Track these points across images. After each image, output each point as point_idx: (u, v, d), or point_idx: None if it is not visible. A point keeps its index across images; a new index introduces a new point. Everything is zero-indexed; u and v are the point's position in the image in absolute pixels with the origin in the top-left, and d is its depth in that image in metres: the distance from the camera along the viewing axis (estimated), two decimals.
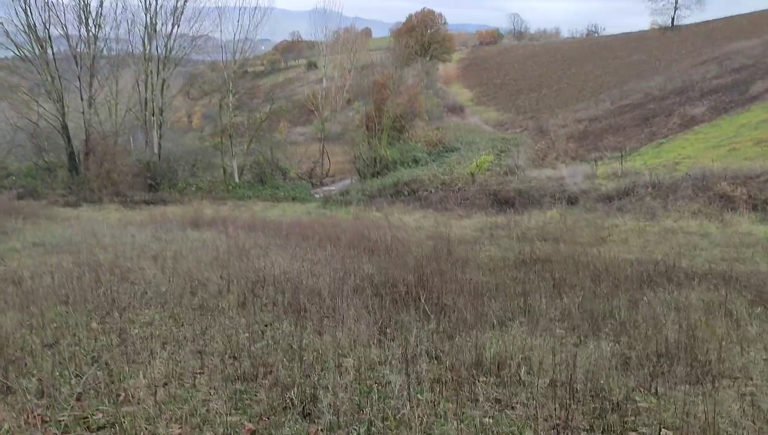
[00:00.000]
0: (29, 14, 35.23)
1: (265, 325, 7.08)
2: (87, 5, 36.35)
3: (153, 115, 39.27)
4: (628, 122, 39.08)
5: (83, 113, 36.80)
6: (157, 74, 39.08)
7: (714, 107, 35.72)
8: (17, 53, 36.07)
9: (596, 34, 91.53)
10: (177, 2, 38.50)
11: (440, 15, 78.45)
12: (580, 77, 62.34)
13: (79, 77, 36.79)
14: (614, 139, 36.26)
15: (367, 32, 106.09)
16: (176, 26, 39.00)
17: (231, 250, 13.71)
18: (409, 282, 8.37)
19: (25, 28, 35.47)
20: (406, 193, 31.85)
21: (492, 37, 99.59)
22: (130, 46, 39.62)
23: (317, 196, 39.79)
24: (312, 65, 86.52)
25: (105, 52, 38.69)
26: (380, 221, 24.12)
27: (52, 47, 36.24)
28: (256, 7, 42.44)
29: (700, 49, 57.56)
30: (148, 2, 38.11)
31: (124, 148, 40.11)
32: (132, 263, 11.94)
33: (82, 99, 36.69)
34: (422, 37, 74.05)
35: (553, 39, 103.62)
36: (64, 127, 36.75)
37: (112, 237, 17.03)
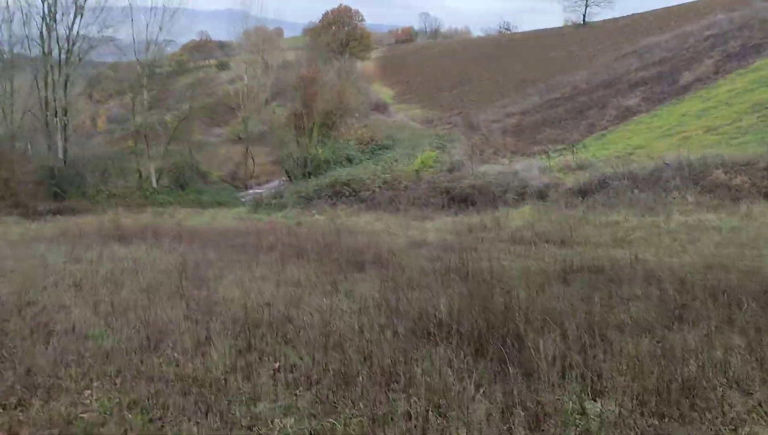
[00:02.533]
0: None
1: None
2: None
3: (56, 117, 34.58)
4: (563, 115, 37.95)
5: None
6: (59, 70, 34.42)
7: (648, 98, 35.07)
8: None
9: (508, 32, 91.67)
10: None
11: (357, 12, 76.16)
12: (501, 73, 61.48)
13: None
14: (552, 132, 34.94)
15: (279, 32, 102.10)
16: (79, 15, 34.48)
17: (178, 270, 10.59)
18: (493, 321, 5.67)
19: None
20: (346, 193, 29.11)
21: (407, 35, 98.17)
22: (25, 41, 34.70)
23: (244, 200, 36.36)
24: (223, 65, 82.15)
25: None
26: (328, 226, 21.36)
27: None
28: (164, 7, 38.24)
29: (616, 44, 57.84)
30: None
31: (23, 153, 35.20)
32: (48, 297, 8.67)
33: None
34: (339, 35, 71.33)
35: (465, 37, 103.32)
36: None
37: (15, 258, 13.41)
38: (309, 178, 35.28)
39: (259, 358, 5.46)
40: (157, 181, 38.25)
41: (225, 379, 4.92)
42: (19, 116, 34.47)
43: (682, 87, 34.66)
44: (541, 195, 20.37)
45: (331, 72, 50.38)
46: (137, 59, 40.51)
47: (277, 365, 5.18)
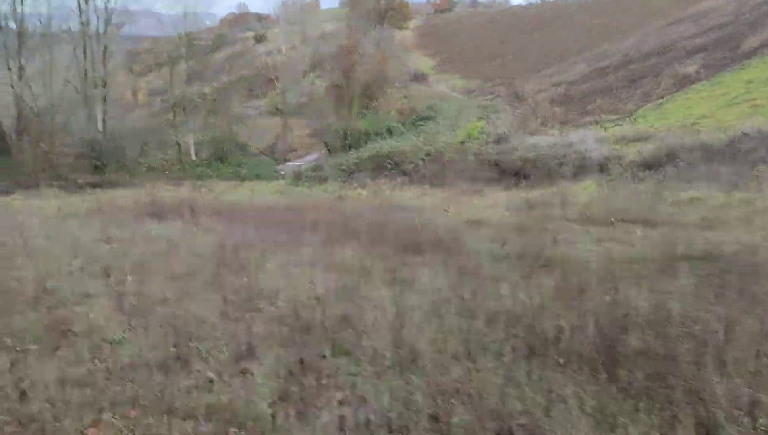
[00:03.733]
0: None
1: None
2: None
3: (95, 88, 33.81)
4: (614, 84, 35.73)
5: (12, 86, 31.17)
6: (98, 41, 33.55)
7: (707, 65, 32.65)
8: None
9: (549, 0, 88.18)
10: None
11: None
12: (544, 42, 58.96)
13: (5, 45, 31.08)
14: (604, 101, 32.87)
15: (317, 3, 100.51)
16: None
17: (215, 253, 9.44)
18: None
19: None
20: (388, 166, 27.71)
21: (446, 5, 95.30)
22: (62, 12, 33.81)
23: (283, 173, 35.25)
24: (261, 37, 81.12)
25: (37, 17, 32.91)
26: (372, 201, 20.10)
27: None
28: None
29: (662, 10, 54.76)
30: None
31: (64, 126, 34.58)
32: (70, 287, 7.57)
33: (9, 69, 31.02)
34: (378, 5, 69.25)
35: (505, 6, 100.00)
36: None
37: (46, 236, 12.45)
38: (349, 150, 33.98)
39: (316, 381, 4.20)
40: (196, 154, 37.40)
41: (273, 415, 3.68)
42: (58, 88, 33.75)
43: (746, 52, 32.17)
44: (602, 168, 18.71)
45: (369, 42, 48.69)
46: (177, 33, 39.58)
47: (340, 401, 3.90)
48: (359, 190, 24.71)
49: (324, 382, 4.17)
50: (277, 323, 5.70)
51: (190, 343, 5.02)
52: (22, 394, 4.09)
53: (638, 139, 22.13)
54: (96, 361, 4.77)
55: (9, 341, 5.38)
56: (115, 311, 6.27)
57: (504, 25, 70.61)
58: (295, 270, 8.34)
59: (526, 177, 20.01)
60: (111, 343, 5.18)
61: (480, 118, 34.17)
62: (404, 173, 26.50)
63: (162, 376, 4.35)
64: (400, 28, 71.61)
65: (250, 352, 4.77)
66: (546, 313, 5.10)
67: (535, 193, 16.55)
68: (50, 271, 8.66)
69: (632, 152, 20.15)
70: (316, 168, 31.20)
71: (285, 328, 5.52)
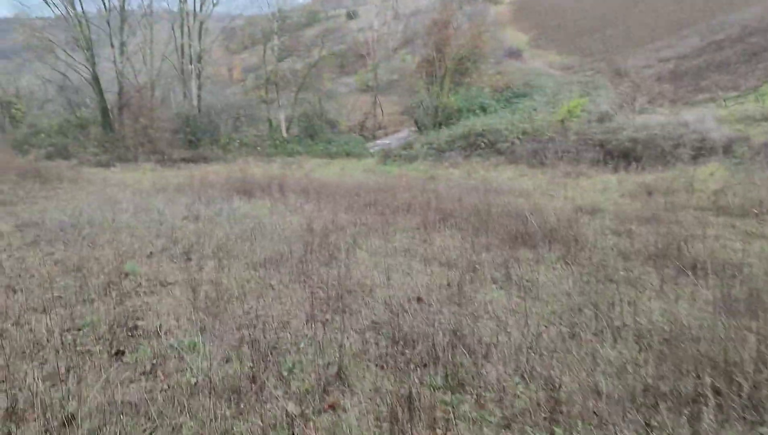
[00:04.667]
0: None
1: None
2: None
3: (191, 64, 34.04)
4: (732, 58, 32.44)
5: (114, 62, 31.76)
6: (194, 16, 33.67)
7: None
8: None
9: None
10: None
11: None
12: (649, 14, 54.89)
13: (108, 22, 31.63)
14: (721, 78, 29.86)
15: None
16: None
17: (302, 237, 8.58)
18: None
19: None
20: (482, 145, 26.23)
21: None
22: None
23: (372, 150, 34.40)
24: (353, 14, 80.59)
25: None
26: (466, 181, 18.84)
27: None
28: None
29: None
30: None
31: (162, 101, 35.13)
32: (147, 272, 6.89)
33: (112, 46, 31.60)
34: None
35: None
36: (95, 79, 31.84)
37: (134, 211, 12.07)
38: (440, 128, 32.63)
39: (430, 431, 3.16)
40: (286, 131, 37.16)
41: None
42: (157, 64, 34.22)
43: None
44: (726, 150, 16.62)
45: (463, 17, 46.84)
46: (270, 11, 39.35)
47: None
48: (451, 169, 23.50)
49: (438, 433, 3.11)
50: (372, 332, 4.70)
51: (269, 357, 4.09)
52: (68, 420, 3.28)
53: (765, 118, 19.72)
54: (158, 374, 3.93)
55: (69, 337, 4.67)
56: (189, 306, 5.46)
57: None
58: (390, 260, 7.34)
59: (636, 159, 18.12)
60: (178, 351, 4.33)
61: (581, 96, 31.91)
62: (499, 152, 24.99)
63: (231, 406, 3.43)
64: (495, 2, 69.01)
65: (341, 376, 3.78)
66: (728, 341, 3.82)
67: (650, 177, 14.79)
68: (130, 251, 8.09)
69: (759, 133, 17.87)
70: (406, 146, 30.09)
71: (382, 339, 4.50)
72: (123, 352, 4.36)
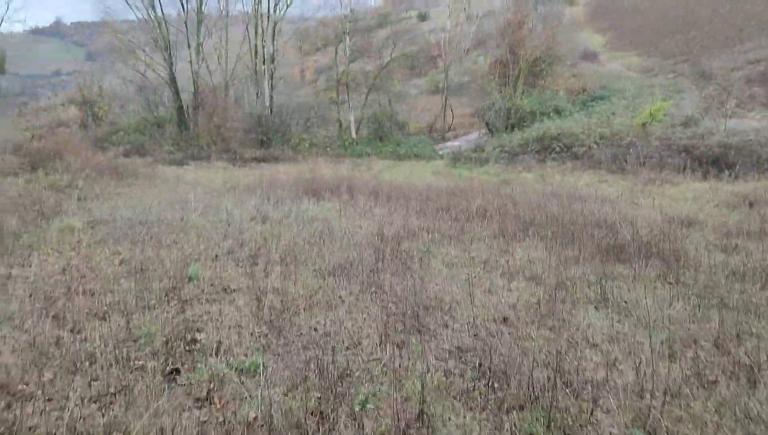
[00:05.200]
0: None
1: None
2: None
3: (264, 64, 34.27)
4: None
5: (191, 63, 32.31)
6: (268, 17, 33.88)
7: None
8: None
9: None
10: None
11: None
12: (737, 13, 51.87)
13: (186, 24, 32.23)
14: None
15: None
16: None
17: (373, 243, 8.05)
18: None
19: None
20: (557, 149, 25.12)
21: None
22: None
23: (442, 152, 33.70)
24: (424, 16, 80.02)
25: None
26: (541, 186, 17.94)
27: None
28: None
29: None
30: None
31: (235, 101, 35.53)
32: (211, 276, 6.51)
33: (189, 47, 32.17)
34: None
35: None
36: (172, 79, 32.51)
37: (203, 210, 11.86)
38: (512, 130, 31.62)
39: None
40: (356, 132, 36.94)
41: None
42: (232, 64, 34.65)
43: None
44: None
45: (538, 18, 45.50)
46: (342, 13, 39.30)
47: None
48: (524, 173, 22.57)
49: None
50: (455, 359, 4.09)
51: (339, 387, 3.55)
52: None
53: None
54: (214, 402, 3.45)
55: (124, 350, 4.27)
56: (252, 318, 5.01)
57: None
58: (468, 272, 6.71)
59: (729, 166, 16.77)
60: (238, 372, 3.86)
61: (663, 99, 30.23)
62: (575, 157, 23.85)
63: None
64: (570, 3, 66.98)
65: (422, 417, 3.20)
66: None
67: (748, 187, 13.55)
68: (196, 253, 7.77)
69: None
70: (477, 149, 29.24)
71: (467, 369, 3.89)
72: (178, 371, 3.93)
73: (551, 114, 32.21)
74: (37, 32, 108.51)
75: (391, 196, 14.13)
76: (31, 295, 5.87)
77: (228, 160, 28.03)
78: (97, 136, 30.90)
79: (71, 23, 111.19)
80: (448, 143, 38.01)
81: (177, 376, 3.87)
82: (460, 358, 4.12)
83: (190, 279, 6.46)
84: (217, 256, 7.59)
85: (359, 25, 40.99)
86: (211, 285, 6.20)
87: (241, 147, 30.69)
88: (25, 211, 11.77)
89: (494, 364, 3.91)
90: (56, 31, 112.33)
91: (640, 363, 3.86)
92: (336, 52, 38.93)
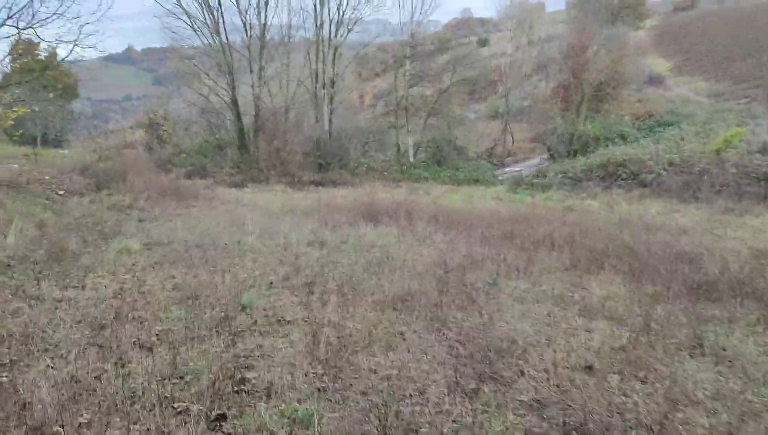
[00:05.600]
0: None
1: None
2: None
3: (324, 88, 34.50)
4: None
5: (252, 87, 32.81)
6: (329, 42, 34.16)
7: None
8: (188, 23, 32.80)
9: None
10: None
11: None
12: None
13: (249, 49, 32.82)
14: None
15: (541, 6, 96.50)
16: None
17: (434, 273, 7.57)
18: None
19: None
20: (623, 176, 24.14)
21: (688, 1, 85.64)
22: (301, 16, 34.86)
23: (501, 178, 33.00)
24: (484, 41, 79.74)
25: (277, 20, 34.43)
26: (608, 214, 17.10)
27: (222, 15, 32.58)
28: None
29: None
30: None
31: (295, 124, 35.81)
32: (265, 306, 6.15)
33: (251, 71, 32.69)
34: (611, 2, 63.74)
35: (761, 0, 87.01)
36: (234, 102, 33.08)
37: (260, 234, 11.64)
38: (575, 156, 30.69)
39: None
40: (414, 156, 36.65)
41: None
42: (293, 88, 35.01)
43: None
44: None
45: (601, 42, 44.46)
46: (402, 38, 39.45)
47: None
48: (589, 200, 21.67)
49: None
50: (534, 415, 3.56)
51: None
52: None
53: None
54: None
55: (168, 388, 3.91)
56: (307, 355, 4.60)
57: (761, 21, 61.00)
58: (539, 308, 6.15)
59: None
60: (290, 422, 3.43)
61: (737, 125, 28.75)
62: (642, 184, 22.81)
63: None
64: (635, 28, 65.36)
65: None
66: None
67: None
68: (251, 279, 7.45)
69: None
70: (539, 174, 28.46)
71: (551, 429, 3.36)
72: (224, 417, 3.53)
73: (616, 139, 31.10)
74: (110, 59, 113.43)
75: (452, 222, 13.63)
76: (80, 322, 5.65)
77: (286, 183, 28.09)
78: (161, 158, 31.58)
79: (141, 49, 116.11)
80: (508, 168, 37.29)
81: (222, 423, 3.47)
82: (541, 413, 3.59)
83: (244, 308, 6.13)
84: (272, 283, 7.25)
85: (419, 50, 40.89)
86: (264, 315, 5.84)
87: (299, 170, 30.81)
88: (87, 231, 11.83)
89: (580, 423, 3.37)
90: (128, 57, 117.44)
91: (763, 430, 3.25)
92: (395, 77, 38.94)
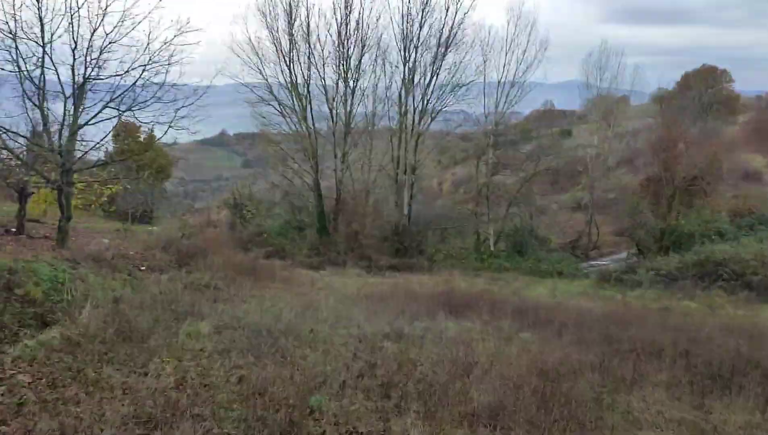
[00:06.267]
0: (292, 71, 32.99)
1: None
2: (347, 59, 33.08)
3: (405, 174, 34.49)
4: None
5: (335, 171, 33.22)
6: (412, 128, 34.40)
7: None
8: (278, 109, 33.90)
9: None
10: (437, 53, 33.72)
11: (724, 72, 65.48)
12: None
13: (333, 134, 33.50)
14: None
15: (625, 99, 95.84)
16: (435, 77, 34.21)
17: (527, 381, 6.62)
18: None
19: (288, 84, 33.24)
20: (724, 276, 22.24)
21: None
22: (386, 104, 35.46)
23: (586, 271, 31.38)
24: (566, 133, 79.19)
25: (362, 108, 35.10)
26: (711, 319, 15.46)
27: (310, 102, 33.49)
28: (514, 82, 36.43)
29: None
30: (407, 54, 33.87)
31: (375, 209, 35.78)
32: (336, 413, 5.39)
33: (335, 156, 33.20)
34: (702, 97, 62.07)
35: None
36: (316, 185, 33.48)
37: (334, 321, 11.00)
38: (666, 252, 28.85)
39: None
40: (494, 245, 35.65)
41: None
42: (374, 173, 35.21)
43: None
44: None
45: (693, 135, 42.87)
46: (484, 129, 39.44)
47: None
48: (686, 301, 19.96)
49: None
50: None
51: None
52: None
53: None
54: None
55: None
56: None
57: None
58: None
59: None
60: None
61: None
62: (748, 286, 20.89)
63: None
64: (728, 123, 63.15)
65: None
66: None
67: None
68: (322, 375, 6.73)
69: None
70: (628, 270, 26.78)
71: None
72: None
73: (713, 237, 29.09)
74: (205, 142, 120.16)
75: (540, 318, 12.55)
76: (134, 417, 5.05)
77: (363, 267, 27.62)
78: (243, 238, 31.96)
79: (233, 134, 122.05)
80: (593, 262, 35.61)
81: None
82: None
83: (312, 412, 5.39)
84: (344, 382, 6.50)
85: (501, 139, 40.61)
86: (335, 423, 5.08)
87: (376, 254, 30.38)
88: (161, 310, 11.52)
89: None
90: (221, 141, 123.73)
91: None
92: (477, 165, 38.68)
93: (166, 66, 17.00)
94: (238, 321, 10.70)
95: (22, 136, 17.34)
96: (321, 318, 11.44)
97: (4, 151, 17.84)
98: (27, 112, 17.30)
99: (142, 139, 35.60)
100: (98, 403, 5.47)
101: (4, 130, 16.99)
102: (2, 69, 15.46)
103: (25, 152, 18.88)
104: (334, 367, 7.23)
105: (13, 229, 20.89)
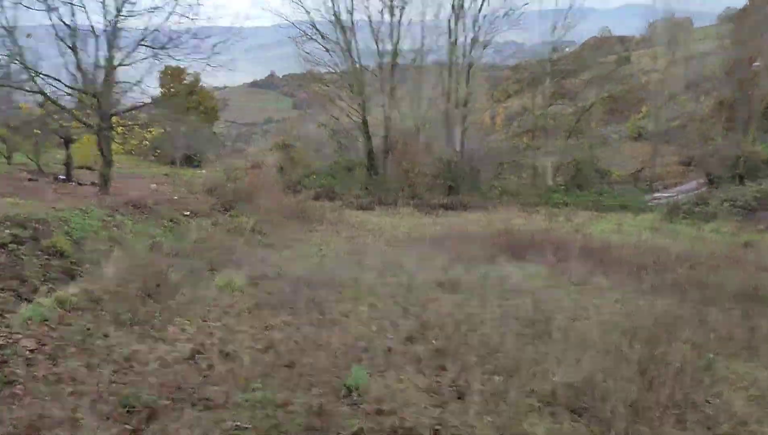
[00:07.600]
0: (334, 3, 31.15)
1: None
2: None
3: (456, 108, 32.62)
4: None
5: (383, 107, 31.64)
6: (463, 57, 32.31)
7: None
8: (321, 43, 32.26)
9: None
10: None
11: None
12: None
13: (380, 67, 31.78)
14: None
15: (688, 21, 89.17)
16: (486, 2, 31.76)
17: (616, 346, 5.30)
18: None
19: (331, 17, 31.51)
20: None
21: None
22: (434, 35, 33.31)
23: (652, 204, 29.25)
24: (624, 60, 74.58)
25: (408, 42, 33.07)
26: None
27: (354, 36, 31.70)
28: (571, 8, 33.51)
29: None
30: None
31: (425, 146, 34.17)
32: (377, 388, 4.25)
33: (382, 91, 31.56)
34: None
35: None
36: (364, 123, 32.01)
37: (381, 270, 9.84)
38: (741, 181, 26.48)
39: None
40: (552, 179, 33.70)
41: None
42: (424, 108, 33.49)
43: None
44: None
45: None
46: (539, 58, 36.90)
47: None
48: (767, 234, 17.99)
49: None
50: None
51: None
52: None
53: None
54: None
55: None
56: None
57: None
58: None
59: None
60: None
61: None
62: None
63: None
64: None
65: None
66: None
67: None
68: (364, 340, 5.60)
69: None
70: (699, 202, 24.63)
71: None
72: None
73: None
74: (254, 85, 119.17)
75: (612, 260, 11.11)
76: (125, 406, 4.02)
77: (414, 206, 26.33)
78: (291, 179, 31.07)
79: (282, 75, 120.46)
80: (658, 194, 33.26)
81: None
82: None
83: (349, 392, 4.26)
84: (390, 349, 5.34)
85: (557, 68, 37.95)
86: (376, 411, 3.92)
87: (428, 193, 29.04)
88: (197, 258, 10.64)
89: None
90: (270, 83, 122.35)
91: None
92: (533, 96, 36.36)
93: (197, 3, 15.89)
94: (277, 270, 9.72)
95: (57, 80, 16.59)
96: (368, 265, 10.34)
97: (43, 97, 17.19)
98: (63, 57, 16.52)
99: (187, 82, 34.66)
100: (96, 380, 4.49)
101: (38, 74, 16.30)
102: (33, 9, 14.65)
103: (65, 97, 18.20)
104: (379, 328, 6.10)
105: (62, 177, 20.52)
